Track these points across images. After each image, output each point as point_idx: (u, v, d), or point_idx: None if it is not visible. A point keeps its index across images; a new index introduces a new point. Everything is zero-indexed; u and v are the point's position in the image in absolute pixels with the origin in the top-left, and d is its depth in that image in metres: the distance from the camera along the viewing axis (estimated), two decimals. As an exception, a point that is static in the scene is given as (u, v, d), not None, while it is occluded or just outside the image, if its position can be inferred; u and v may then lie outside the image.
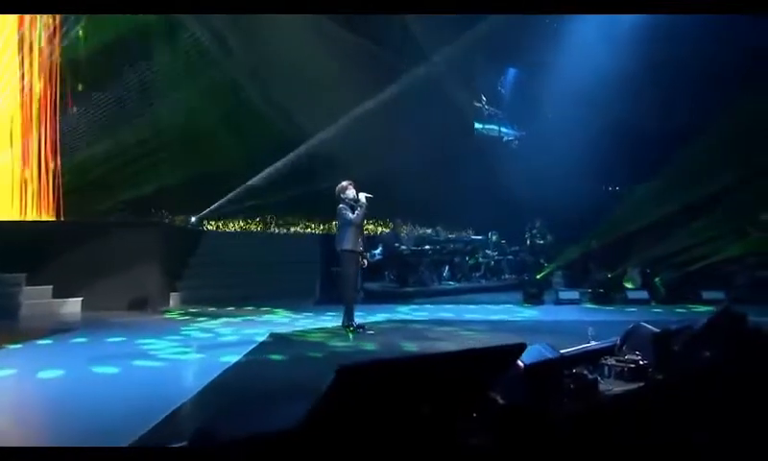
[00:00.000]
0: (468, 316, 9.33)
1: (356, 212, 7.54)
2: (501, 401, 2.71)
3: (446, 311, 9.98)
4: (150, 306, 9.89)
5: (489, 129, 17.84)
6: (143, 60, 11.44)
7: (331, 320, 8.47)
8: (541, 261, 13.26)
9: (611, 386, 3.45)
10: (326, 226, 14.85)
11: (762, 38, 10.62)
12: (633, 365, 3.65)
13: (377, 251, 12.85)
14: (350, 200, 7.64)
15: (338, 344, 6.81)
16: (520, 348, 3.94)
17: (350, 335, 7.36)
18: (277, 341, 7.00)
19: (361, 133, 12.96)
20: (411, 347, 6.54)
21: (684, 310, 9.84)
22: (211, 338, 7.17)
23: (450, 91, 14.55)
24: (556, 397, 3.53)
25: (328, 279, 13.10)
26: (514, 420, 2.65)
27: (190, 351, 6.42)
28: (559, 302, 10.80)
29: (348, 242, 7.52)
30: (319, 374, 5.30)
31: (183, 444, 2.20)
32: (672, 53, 11.93)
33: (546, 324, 8.47)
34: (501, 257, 14.52)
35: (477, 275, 14.18)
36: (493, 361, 3.06)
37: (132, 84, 11.54)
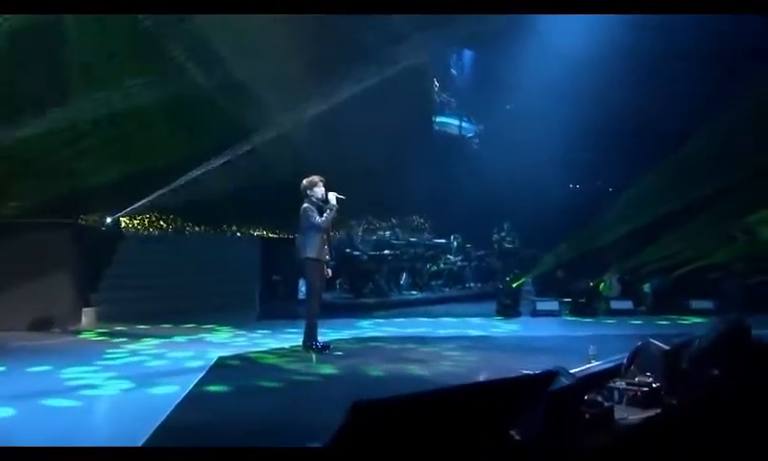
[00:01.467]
0: (443, 332, 9.21)
1: (324, 215, 7.24)
2: (517, 437, 2.68)
3: (416, 326, 9.84)
4: (57, 325, 9.27)
5: (449, 122, 17.94)
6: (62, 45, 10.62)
7: (288, 338, 8.19)
8: (511, 268, 13.37)
9: (625, 413, 3.41)
10: (273, 228, 14.42)
11: (749, 35, 11.14)
12: (646, 388, 3.62)
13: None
14: (318, 199, 7.34)
15: (301, 368, 6.50)
16: (551, 377, 3.81)
17: (314, 356, 7.07)
18: (228, 366, 6.67)
19: (309, 127, 12.85)
20: (394, 369, 6.31)
21: (668, 322, 10.14)
22: (142, 365, 6.74)
23: (406, 82, 14.45)
24: (574, 429, 3.44)
25: (270, 290, 12.81)
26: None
27: (122, 382, 5.90)
28: (536, 313, 10.88)
29: (314, 249, 7.21)
30: (288, 408, 5.04)
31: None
32: (654, 38, 12.28)
33: (532, 340, 8.46)
34: (465, 263, 14.55)
35: (439, 283, 14.14)
36: (522, 393, 3.10)
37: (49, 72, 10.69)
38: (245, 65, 11.64)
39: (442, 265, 14.32)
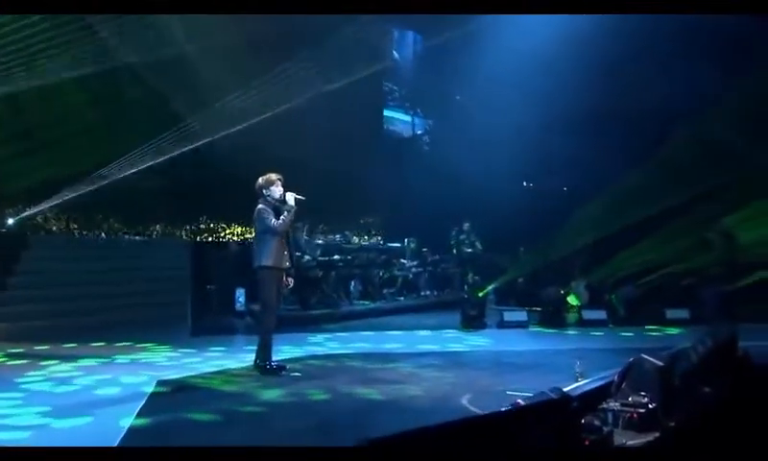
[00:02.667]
0: (408, 348, 9.08)
1: (282, 217, 6.99)
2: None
3: (376, 341, 9.69)
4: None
5: (399, 116, 17.91)
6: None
7: (235, 358, 7.93)
8: (473, 274, 13.44)
9: (623, 438, 3.42)
10: (203, 231, 13.95)
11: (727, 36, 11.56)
12: (642, 410, 3.62)
13: None
14: (275, 200, 7.11)
15: (255, 394, 6.19)
16: (565, 401, 3.77)
17: (267, 378, 6.80)
18: (169, 392, 6.34)
19: (247, 120, 12.54)
20: (370, 393, 6.11)
21: (643, 333, 10.40)
22: (69, 391, 6.30)
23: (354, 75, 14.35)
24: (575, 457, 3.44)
25: (203, 302, 12.40)
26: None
27: (43, 411, 5.47)
28: (503, 324, 10.92)
29: (270, 256, 6.96)
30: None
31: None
32: (617, 34, 12.57)
33: (507, 355, 8.42)
34: (421, 269, 14.52)
35: (392, 291, 14.05)
36: (536, 419, 3.19)
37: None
38: (177, 49, 11.19)
39: (395, 271, 14.26)
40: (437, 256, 14.91)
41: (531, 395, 3.97)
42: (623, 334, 10.29)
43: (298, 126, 13.04)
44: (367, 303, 13.18)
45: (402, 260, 14.49)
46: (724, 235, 11.21)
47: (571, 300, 12.41)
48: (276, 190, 7.12)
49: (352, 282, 13.23)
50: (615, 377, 4.30)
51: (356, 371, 7.33)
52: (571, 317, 11.52)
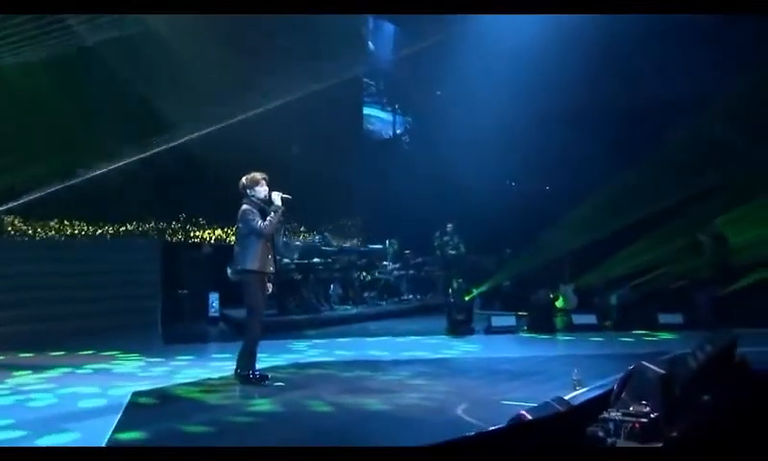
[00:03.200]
0: (395, 355, 9.03)
1: (268, 218, 6.91)
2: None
3: (361, 348, 9.66)
4: None
5: (380, 115, 17.88)
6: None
7: (212, 367, 7.81)
8: (458, 276, 13.46)
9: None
10: (175, 232, 13.78)
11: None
12: (644, 420, 3.66)
13: None
14: (260, 200, 7.03)
15: (240, 405, 6.12)
16: (573, 413, 3.80)
17: (250, 389, 6.71)
18: (148, 404, 6.22)
19: (225, 118, 12.45)
20: (360, 404, 6.04)
21: (634, 338, 10.52)
22: (40, 407, 6.11)
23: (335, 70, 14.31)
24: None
25: (175, 307, 12.26)
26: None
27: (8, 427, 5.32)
28: (491, 330, 10.95)
29: (255, 259, 6.86)
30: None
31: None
32: (605, 31, 12.68)
33: (499, 362, 8.43)
34: (403, 272, 14.51)
35: (372, 295, 14.03)
36: (545, 433, 3.09)
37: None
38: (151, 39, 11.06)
39: (377, 274, 14.23)
40: (419, 259, 14.91)
41: (532, 405, 3.99)
42: (616, 339, 10.39)
43: (274, 124, 12.89)
44: (347, 307, 13.13)
45: (384, 263, 14.46)
46: (714, 237, 11.39)
47: (560, 303, 12.50)
48: (261, 190, 7.04)
49: (332, 286, 13.17)
50: (615, 386, 4.35)
51: (343, 380, 7.27)
52: (561, 322, 11.59)
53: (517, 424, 3.58)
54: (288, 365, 8.18)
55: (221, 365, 7.87)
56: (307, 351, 9.43)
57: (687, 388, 3.98)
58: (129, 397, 6.36)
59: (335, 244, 13.72)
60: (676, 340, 10.01)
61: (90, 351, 9.04)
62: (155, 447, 4.31)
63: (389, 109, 18.27)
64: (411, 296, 14.56)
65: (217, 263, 12.60)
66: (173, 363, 8.33)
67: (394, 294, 14.35)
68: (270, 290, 7.26)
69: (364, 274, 14.02)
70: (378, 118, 18.11)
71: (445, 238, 14.43)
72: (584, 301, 12.45)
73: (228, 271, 12.47)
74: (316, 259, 12.56)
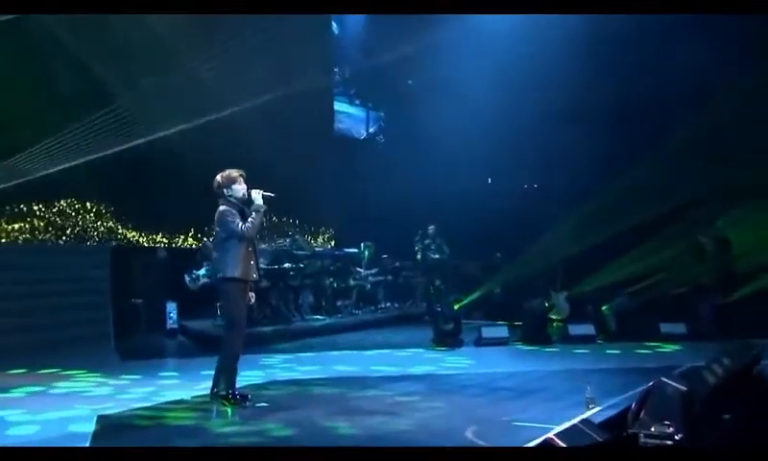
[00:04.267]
0: (382, 369, 8.94)
1: (250, 220, 6.69)
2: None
3: (342, 362, 9.52)
4: None
5: (352, 109, 17.76)
6: None
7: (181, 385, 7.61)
8: (437, 283, 13.40)
9: None
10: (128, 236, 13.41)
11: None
12: (669, 442, 3.61)
13: (201, 271, 12.09)
14: (238, 200, 6.80)
15: (224, 429, 5.90)
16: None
17: (230, 410, 6.50)
18: (116, 428, 5.96)
19: (192, 116, 12.36)
20: (355, 428, 5.87)
21: (642, 350, 10.55)
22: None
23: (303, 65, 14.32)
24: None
25: (127, 316, 12.00)
26: None
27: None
28: (482, 341, 10.86)
29: (237, 266, 6.64)
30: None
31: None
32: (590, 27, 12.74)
33: (498, 378, 8.32)
34: (380, 278, 14.36)
35: (346, 303, 13.85)
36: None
37: None
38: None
39: (351, 281, 14.06)
40: (397, 264, 14.79)
41: (552, 427, 3.88)
42: (617, 351, 10.38)
43: (239, 120, 12.86)
44: (320, 317, 12.96)
45: (359, 268, 14.30)
46: (717, 240, 11.49)
47: (551, 313, 12.48)
48: (239, 188, 6.82)
49: (303, 294, 12.98)
50: (633, 404, 4.27)
51: (331, 400, 7.08)
52: (555, 332, 11.57)
53: (547, 447, 3.47)
54: (267, 383, 7.98)
55: (191, 383, 7.65)
56: (281, 366, 9.26)
57: (708, 405, 3.94)
58: (93, 422, 6.06)
59: (307, 248, 13.50)
60: (680, 351, 10.06)
61: (20, 371, 8.63)
62: (155, 447, 4.32)
63: (362, 104, 18.15)
64: (388, 304, 14.43)
65: (174, 269, 12.57)
66: (135, 381, 8.05)
67: (369, 302, 14.20)
68: (252, 300, 7.07)
69: (337, 280, 13.80)
70: (350, 112, 17.99)
71: (427, 241, 14.30)
72: (577, 310, 12.45)
73: (187, 278, 12.38)
74: (287, 265, 12.32)
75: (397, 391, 7.44)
